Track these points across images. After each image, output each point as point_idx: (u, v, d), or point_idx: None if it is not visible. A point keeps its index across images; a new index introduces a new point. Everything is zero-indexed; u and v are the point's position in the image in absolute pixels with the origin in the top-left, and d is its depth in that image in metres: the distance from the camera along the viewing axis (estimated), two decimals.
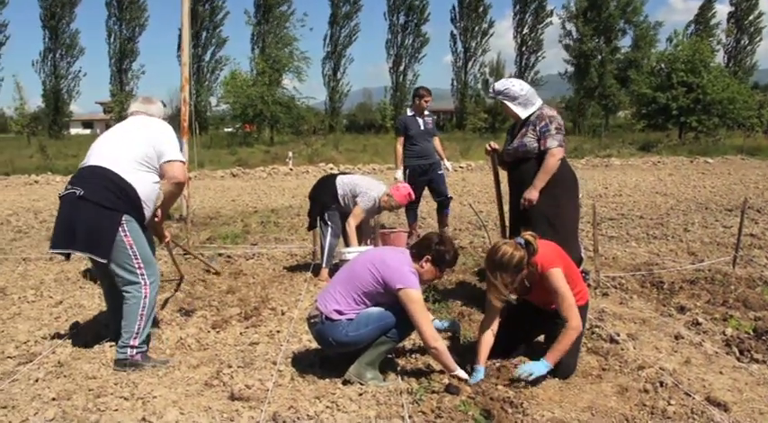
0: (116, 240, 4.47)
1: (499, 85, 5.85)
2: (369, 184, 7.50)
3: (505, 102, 5.78)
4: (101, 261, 4.51)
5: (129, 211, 4.53)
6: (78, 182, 4.55)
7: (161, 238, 5.39)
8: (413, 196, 7.72)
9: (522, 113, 5.73)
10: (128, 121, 4.98)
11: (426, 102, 9.23)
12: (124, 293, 4.59)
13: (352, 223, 7.31)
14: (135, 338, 4.53)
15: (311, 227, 7.78)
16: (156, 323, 5.51)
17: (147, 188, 4.64)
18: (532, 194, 5.62)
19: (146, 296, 4.60)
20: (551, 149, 5.56)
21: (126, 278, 4.58)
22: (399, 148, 9.22)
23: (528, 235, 4.24)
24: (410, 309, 4.13)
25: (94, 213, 4.42)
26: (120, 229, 4.47)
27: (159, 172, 4.73)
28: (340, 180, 7.45)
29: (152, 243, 4.98)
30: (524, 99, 5.71)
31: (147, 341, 4.69)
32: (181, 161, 4.77)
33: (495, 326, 4.40)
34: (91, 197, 4.43)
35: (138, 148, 4.64)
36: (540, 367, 4.06)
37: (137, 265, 4.57)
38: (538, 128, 5.63)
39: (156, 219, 5.05)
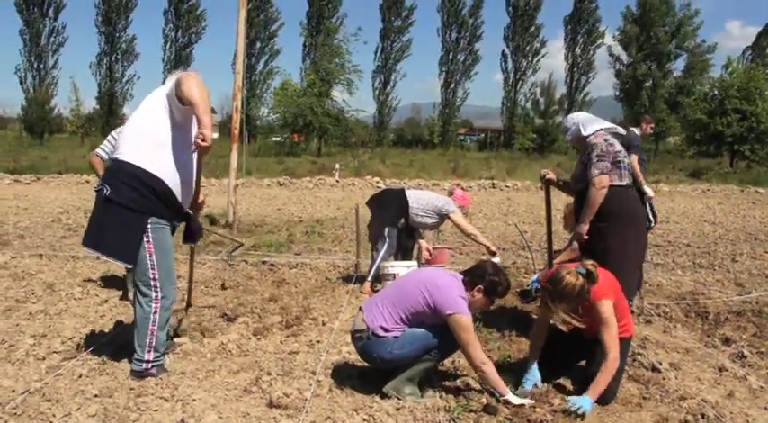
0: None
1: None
2: (438, 196, 7.68)
3: (567, 136, 5.85)
4: (126, 265, 4.48)
5: (158, 211, 4.37)
6: (108, 178, 4.42)
7: (197, 206, 4.94)
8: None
9: (583, 132, 5.55)
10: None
11: (652, 128, 8.58)
12: (137, 301, 4.49)
13: (474, 231, 7.75)
14: (149, 352, 4.44)
15: (374, 239, 7.61)
16: (199, 327, 5.61)
17: (175, 172, 4.38)
18: (582, 229, 5.38)
19: (155, 311, 4.43)
20: (592, 179, 5.27)
21: (139, 287, 4.45)
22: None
23: (589, 264, 4.22)
24: (460, 335, 4.13)
25: (121, 218, 4.29)
26: (144, 235, 4.33)
27: (186, 124, 4.38)
28: (412, 194, 7.54)
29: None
30: (576, 129, 5.62)
31: (163, 353, 4.57)
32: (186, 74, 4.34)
33: (545, 333, 4.55)
34: (117, 199, 4.28)
35: (155, 123, 4.38)
36: (586, 402, 4.01)
37: (152, 277, 4.40)
38: (583, 158, 5.49)
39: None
